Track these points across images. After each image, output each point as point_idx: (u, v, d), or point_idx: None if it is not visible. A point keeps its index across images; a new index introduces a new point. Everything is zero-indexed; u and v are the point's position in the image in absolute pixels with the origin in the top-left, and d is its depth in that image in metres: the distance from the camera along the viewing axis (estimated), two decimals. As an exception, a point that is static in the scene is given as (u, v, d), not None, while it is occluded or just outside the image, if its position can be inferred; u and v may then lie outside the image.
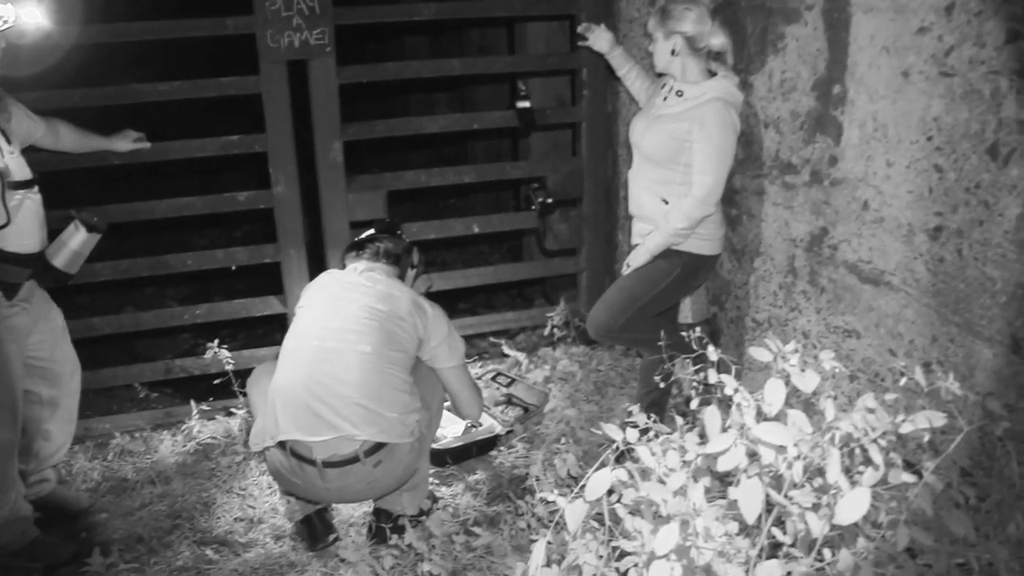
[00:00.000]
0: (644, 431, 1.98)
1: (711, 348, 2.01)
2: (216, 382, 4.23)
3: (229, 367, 4.15)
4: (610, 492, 1.91)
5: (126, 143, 3.91)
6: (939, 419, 1.62)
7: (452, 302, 5.85)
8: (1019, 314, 2.55)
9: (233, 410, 4.23)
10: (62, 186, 3.63)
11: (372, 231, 3.68)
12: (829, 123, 3.23)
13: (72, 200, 3.61)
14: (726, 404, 1.85)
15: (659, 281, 3.56)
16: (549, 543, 2.02)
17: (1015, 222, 2.52)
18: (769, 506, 1.78)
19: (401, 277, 3.53)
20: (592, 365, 4.60)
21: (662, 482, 1.75)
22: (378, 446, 3.01)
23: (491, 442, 3.93)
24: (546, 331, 4.82)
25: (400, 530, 3.25)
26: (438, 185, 4.70)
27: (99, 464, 3.97)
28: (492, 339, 4.98)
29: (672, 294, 3.69)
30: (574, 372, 4.54)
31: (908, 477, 1.60)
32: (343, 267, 3.52)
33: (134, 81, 4.14)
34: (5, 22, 2.90)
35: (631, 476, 1.79)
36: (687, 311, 4.12)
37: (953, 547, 1.79)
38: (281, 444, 3.05)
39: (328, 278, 3.44)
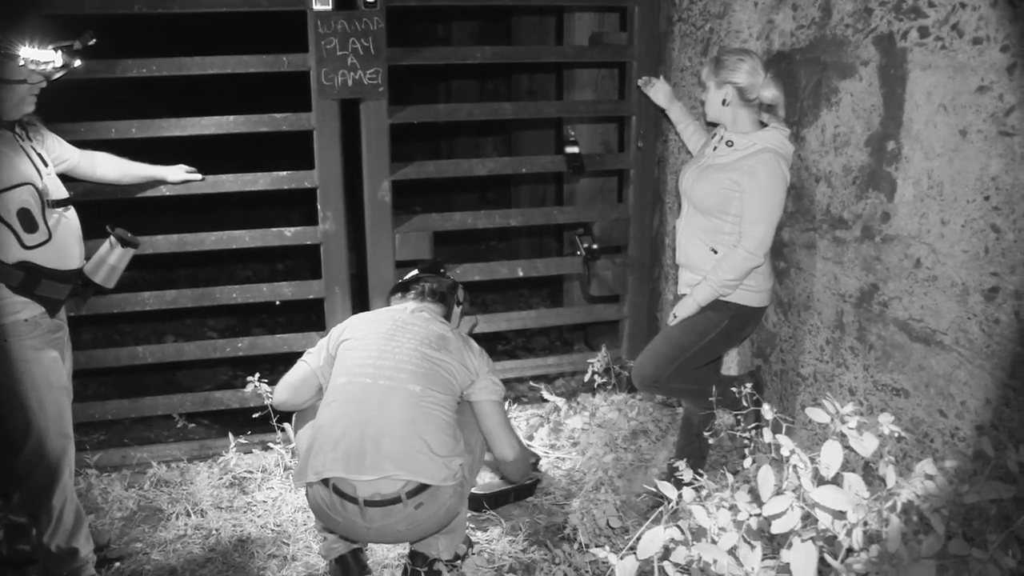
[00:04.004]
0: (692, 486, 1.95)
1: (765, 407, 1.97)
2: (255, 416, 4.23)
3: (268, 401, 4.15)
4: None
5: (178, 173, 3.98)
6: (1008, 491, 1.57)
7: (491, 344, 5.83)
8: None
9: (271, 445, 4.22)
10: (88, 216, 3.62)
11: (416, 272, 3.68)
12: (882, 179, 3.20)
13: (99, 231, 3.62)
14: (778, 463, 1.82)
15: (707, 332, 3.53)
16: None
17: (1077, 287, 2.47)
18: (821, 569, 1.73)
19: (447, 315, 3.53)
20: (632, 413, 4.55)
21: (714, 541, 1.71)
22: (421, 488, 2.97)
23: (529, 488, 3.89)
24: (587, 377, 4.78)
25: (435, 574, 3.21)
26: (483, 227, 4.71)
27: (135, 493, 3.97)
28: (531, 383, 4.95)
29: (719, 345, 3.65)
30: (613, 419, 4.49)
31: (977, 552, 1.54)
32: (389, 307, 3.52)
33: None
34: (54, 66, 2.99)
35: (683, 533, 1.76)
36: (732, 363, 4.08)
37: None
38: (324, 480, 3.03)
39: (379, 315, 3.43)
